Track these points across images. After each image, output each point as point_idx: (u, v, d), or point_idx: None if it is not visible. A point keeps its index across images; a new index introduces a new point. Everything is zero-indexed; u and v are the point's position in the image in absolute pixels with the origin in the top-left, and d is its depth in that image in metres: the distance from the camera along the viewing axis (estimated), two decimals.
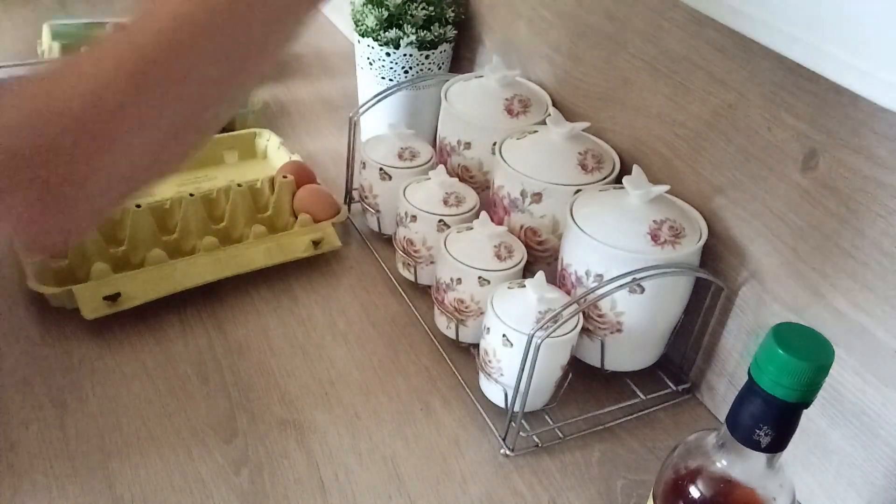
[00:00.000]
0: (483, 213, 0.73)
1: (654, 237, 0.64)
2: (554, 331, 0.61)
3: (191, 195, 0.81)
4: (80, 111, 0.36)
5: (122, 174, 0.39)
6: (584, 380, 0.71)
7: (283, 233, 0.82)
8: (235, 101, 0.47)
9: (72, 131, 0.36)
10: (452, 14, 0.97)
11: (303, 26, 0.43)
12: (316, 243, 0.82)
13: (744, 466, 0.43)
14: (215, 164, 0.96)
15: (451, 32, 0.97)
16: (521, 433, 0.66)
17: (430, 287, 0.77)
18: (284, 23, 0.42)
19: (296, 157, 0.93)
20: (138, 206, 0.79)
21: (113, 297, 0.72)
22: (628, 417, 0.70)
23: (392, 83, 0.97)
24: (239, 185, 0.83)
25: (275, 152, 0.97)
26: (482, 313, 0.70)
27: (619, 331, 0.67)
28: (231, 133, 0.99)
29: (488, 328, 0.66)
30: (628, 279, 0.61)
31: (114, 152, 0.37)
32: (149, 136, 0.38)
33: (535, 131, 0.76)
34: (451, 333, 0.74)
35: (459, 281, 0.70)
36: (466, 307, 0.71)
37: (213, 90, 0.40)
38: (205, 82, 0.39)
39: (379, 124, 0.99)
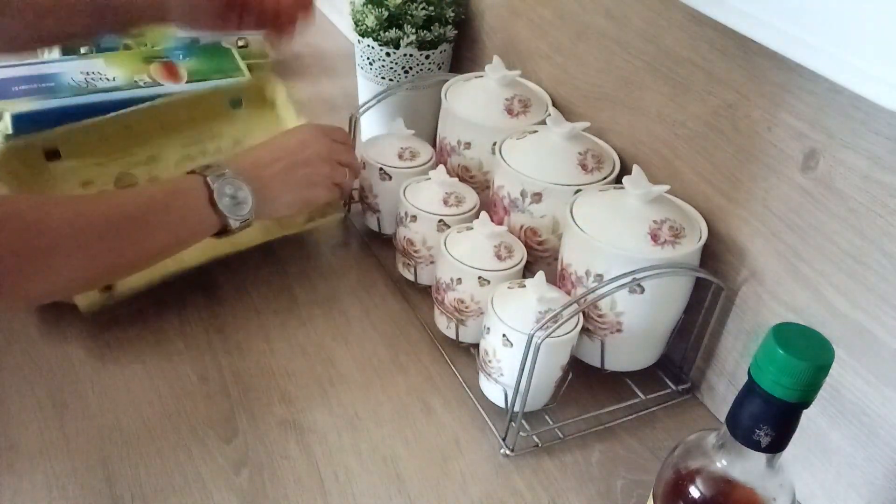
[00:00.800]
0: (483, 213, 0.73)
1: (654, 237, 0.64)
2: (554, 331, 0.61)
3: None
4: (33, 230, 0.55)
5: (61, 283, 0.58)
6: (584, 380, 0.71)
7: None
8: (123, 275, 0.67)
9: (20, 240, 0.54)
10: (452, 14, 0.97)
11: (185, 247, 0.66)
12: (311, 219, 0.79)
13: (744, 466, 0.43)
14: (222, 117, 0.92)
15: (451, 32, 0.97)
16: (521, 433, 0.66)
17: (430, 287, 0.77)
18: (174, 246, 0.64)
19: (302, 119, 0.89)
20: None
21: (108, 287, 0.71)
22: (628, 417, 0.70)
23: (392, 83, 0.97)
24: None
25: (283, 104, 0.93)
26: (482, 313, 0.70)
27: (619, 331, 0.67)
28: (237, 83, 0.96)
29: (488, 328, 0.66)
30: (628, 279, 0.61)
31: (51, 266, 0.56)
32: (75, 268, 0.57)
33: (535, 131, 0.76)
34: (451, 333, 0.74)
35: (459, 281, 0.70)
36: (466, 307, 0.71)
37: (112, 261, 0.60)
38: (108, 254, 0.59)
39: (379, 124, 0.99)
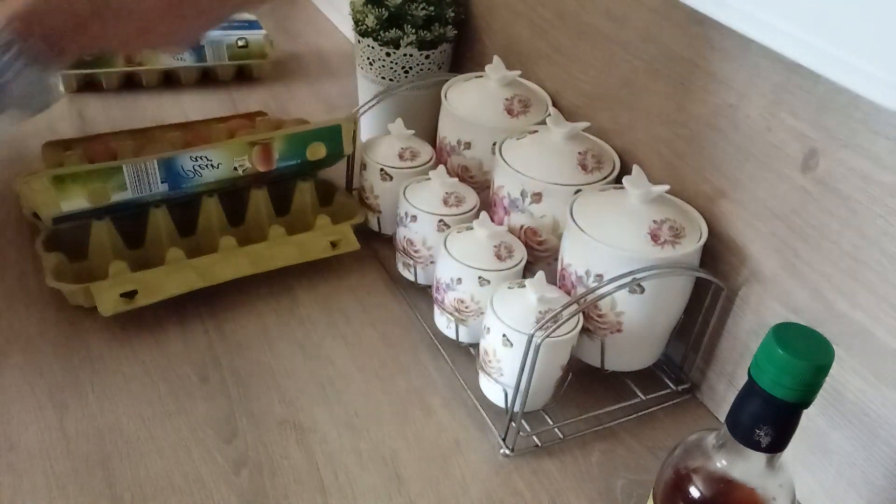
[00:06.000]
0: (483, 213, 0.73)
1: (654, 237, 0.64)
2: (554, 331, 0.61)
3: (210, 195, 0.81)
4: None
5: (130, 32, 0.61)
6: (584, 380, 0.71)
7: (303, 234, 0.82)
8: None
9: None
10: (452, 14, 0.97)
11: None
12: (334, 244, 0.82)
13: (744, 466, 0.43)
14: None
15: (451, 32, 0.97)
16: (521, 433, 0.66)
17: (430, 287, 0.77)
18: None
19: None
20: (157, 205, 0.79)
21: (129, 295, 0.72)
22: (628, 417, 0.70)
23: (392, 83, 0.97)
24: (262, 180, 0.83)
25: None
26: (482, 313, 0.70)
27: (619, 331, 0.67)
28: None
29: (488, 328, 0.66)
30: (628, 279, 0.61)
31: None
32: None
33: (535, 131, 0.76)
34: (451, 333, 0.74)
35: (459, 281, 0.70)
36: (466, 307, 0.71)
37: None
38: None
39: (379, 124, 0.99)
